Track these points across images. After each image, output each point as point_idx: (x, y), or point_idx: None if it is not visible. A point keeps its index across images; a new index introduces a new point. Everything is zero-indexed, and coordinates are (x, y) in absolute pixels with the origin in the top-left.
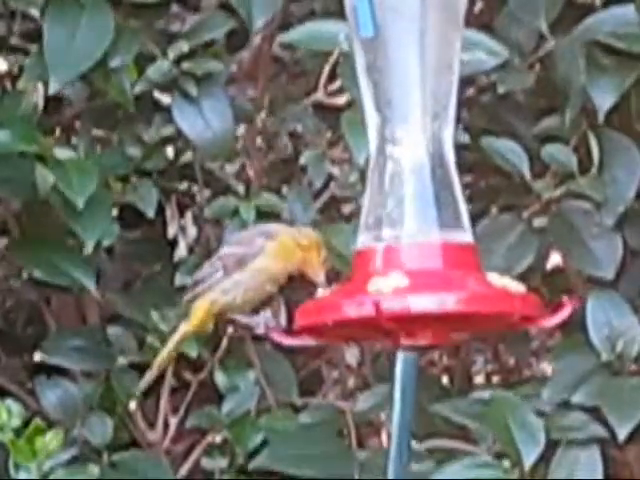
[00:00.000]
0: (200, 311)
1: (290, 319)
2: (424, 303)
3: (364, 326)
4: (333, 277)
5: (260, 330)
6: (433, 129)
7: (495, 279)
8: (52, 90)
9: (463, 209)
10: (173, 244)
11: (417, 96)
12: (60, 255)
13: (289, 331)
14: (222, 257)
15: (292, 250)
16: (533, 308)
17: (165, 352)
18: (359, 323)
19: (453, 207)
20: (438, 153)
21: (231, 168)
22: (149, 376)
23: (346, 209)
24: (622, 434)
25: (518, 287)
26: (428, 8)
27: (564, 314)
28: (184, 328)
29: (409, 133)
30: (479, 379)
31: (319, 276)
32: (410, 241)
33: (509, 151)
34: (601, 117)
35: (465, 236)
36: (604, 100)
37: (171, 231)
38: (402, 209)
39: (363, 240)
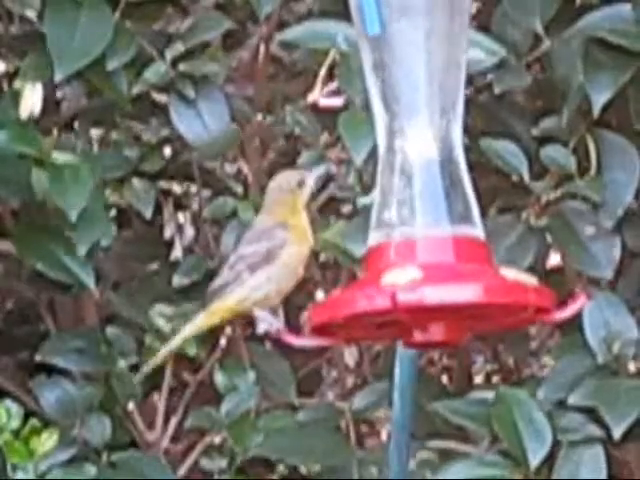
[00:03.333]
0: (223, 309)
1: (288, 320)
2: (440, 294)
3: (377, 323)
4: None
5: (266, 329)
6: (442, 125)
7: (508, 273)
8: (57, 79)
9: (473, 204)
10: (170, 244)
11: (425, 92)
12: (62, 249)
13: (298, 331)
14: (244, 257)
15: (305, 227)
16: (547, 300)
17: (178, 342)
18: (373, 318)
19: (463, 202)
20: (447, 149)
21: (230, 168)
22: (148, 367)
23: (345, 209)
24: (617, 433)
25: (531, 280)
26: (434, 4)
27: (578, 305)
28: (201, 322)
29: (418, 129)
30: (479, 379)
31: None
32: (422, 236)
33: (508, 153)
34: (596, 112)
35: (476, 231)
36: (600, 96)
37: (168, 231)
38: (412, 205)
39: (375, 237)
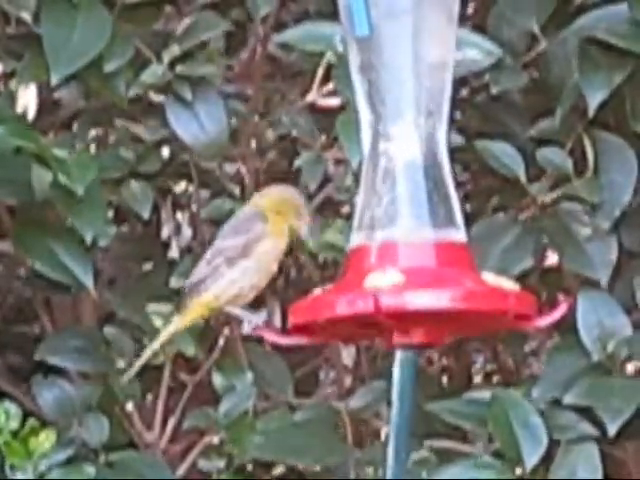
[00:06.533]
0: (200, 306)
1: (285, 319)
2: (422, 300)
3: (359, 323)
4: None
5: (252, 328)
6: (427, 127)
7: (489, 278)
8: (53, 82)
9: (456, 208)
10: (167, 244)
11: (411, 94)
12: (61, 249)
13: (284, 330)
14: (222, 251)
15: (283, 224)
16: (527, 306)
17: (156, 346)
18: (354, 320)
19: (446, 206)
20: (432, 151)
21: (228, 169)
22: (139, 363)
23: (342, 209)
24: (612, 429)
25: (512, 286)
26: (422, 6)
27: (558, 313)
28: (177, 323)
29: (403, 131)
30: (479, 379)
31: (303, 232)
32: (403, 239)
33: (504, 154)
34: (591, 112)
35: (458, 235)
36: (595, 95)
37: (166, 231)
38: (395, 207)
39: (357, 239)
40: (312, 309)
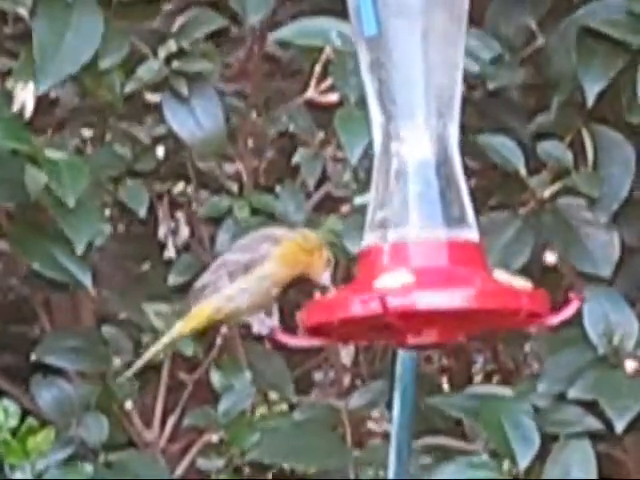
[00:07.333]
0: (201, 315)
1: (283, 319)
2: (430, 299)
3: (371, 324)
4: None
5: (263, 330)
6: (438, 126)
7: (501, 276)
8: (40, 91)
9: (468, 206)
10: (165, 243)
11: (421, 93)
12: (58, 248)
13: (293, 330)
14: (226, 264)
15: (297, 255)
16: (540, 305)
17: (158, 348)
18: (366, 321)
19: (458, 204)
20: (443, 150)
21: (227, 167)
22: (138, 364)
23: (341, 206)
24: (620, 426)
25: (524, 284)
26: (432, 5)
27: (570, 311)
28: (180, 329)
29: (414, 131)
30: (479, 379)
31: (323, 278)
32: (416, 239)
33: (505, 148)
34: (590, 102)
35: (471, 233)
36: (593, 86)
37: (162, 230)
38: (407, 207)
39: (369, 239)
40: (324, 310)
